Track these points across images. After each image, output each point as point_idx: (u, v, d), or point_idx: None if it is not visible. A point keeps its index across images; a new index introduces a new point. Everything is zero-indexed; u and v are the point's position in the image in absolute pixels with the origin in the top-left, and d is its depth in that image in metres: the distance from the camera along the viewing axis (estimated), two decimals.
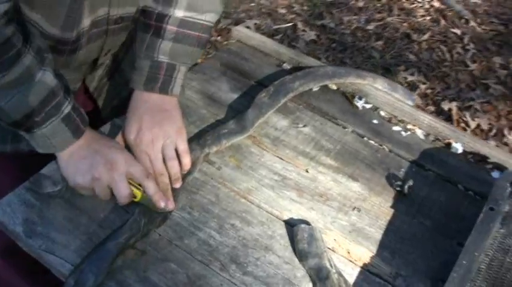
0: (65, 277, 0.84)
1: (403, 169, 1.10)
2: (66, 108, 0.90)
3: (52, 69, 0.89)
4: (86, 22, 0.93)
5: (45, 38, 0.90)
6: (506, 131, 2.50)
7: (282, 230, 0.94)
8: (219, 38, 2.91)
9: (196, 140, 1.05)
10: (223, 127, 1.08)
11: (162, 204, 0.91)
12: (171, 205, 0.93)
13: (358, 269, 0.91)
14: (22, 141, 1.02)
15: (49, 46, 0.91)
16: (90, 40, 0.98)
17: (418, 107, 2.38)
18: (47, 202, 0.93)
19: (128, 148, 0.99)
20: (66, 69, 0.98)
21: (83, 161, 0.92)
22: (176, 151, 0.99)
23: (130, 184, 0.92)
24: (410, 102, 1.27)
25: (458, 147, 1.17)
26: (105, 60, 1.08)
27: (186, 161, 0.99)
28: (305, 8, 3.23)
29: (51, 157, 0.97)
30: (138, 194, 0.92)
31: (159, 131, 0.98)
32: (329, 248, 0.93)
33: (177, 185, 0.98)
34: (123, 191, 0.90)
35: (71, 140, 0.92)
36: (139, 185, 0.92)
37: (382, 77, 1.30)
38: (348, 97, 1.25)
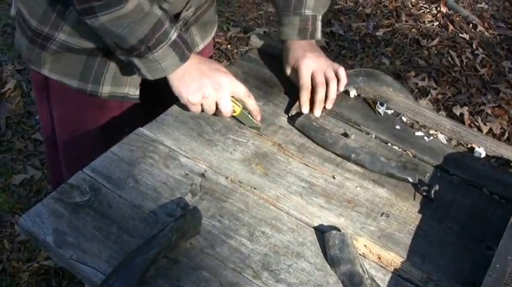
0: (96, 286, 0.84)
1: (428, 174, 1.10)
2: (173, 35, 1.04)
3: (157, 4, 1.04)
4: None
5: None
6: None
7: (312, 237, 0.95)
8: (229, 46, 2.92)
9: None
10: None
11: (259, 117, 1.13)
12: (318, 113, 1.18)
13: (389, 275, 0.91)
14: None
15: None
16: None
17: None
18: (76, 212, 0.93)
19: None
20: None
21: (193, 83, 1.08)
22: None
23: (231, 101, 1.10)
24: None
25: (481, 151, 1.17)
26: (185, 16, 1.20)
27: (343, 76, 1.21)
28: None
29: None
30: (238, 109, 1.11)
31: (320, 58, 1.22)
32: (360, 254, 0.93)
33: (330, 105, 1.20)
34: (228, 107, 1.09)
35: (178, 63, 1.06)
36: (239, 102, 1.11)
37: None
38: (369, 103, 1.25)
